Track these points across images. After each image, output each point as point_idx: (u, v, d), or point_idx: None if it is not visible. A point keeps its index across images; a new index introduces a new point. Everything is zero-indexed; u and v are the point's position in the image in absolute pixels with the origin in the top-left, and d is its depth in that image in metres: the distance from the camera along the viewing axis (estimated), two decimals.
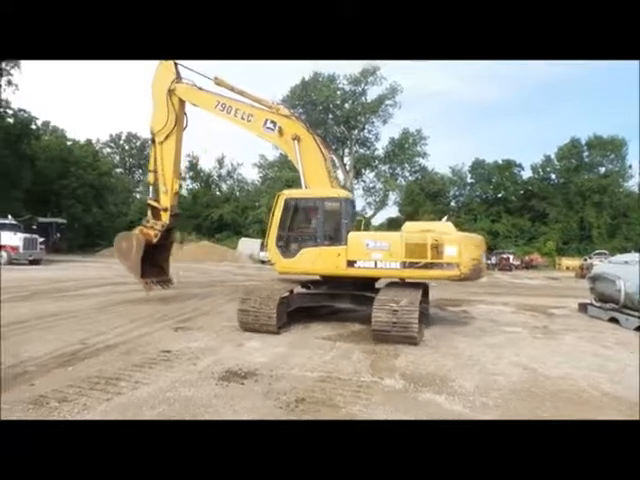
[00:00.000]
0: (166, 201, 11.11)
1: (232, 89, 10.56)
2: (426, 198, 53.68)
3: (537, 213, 50.54)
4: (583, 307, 11.86)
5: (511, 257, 39.42)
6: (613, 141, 50.17)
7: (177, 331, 8.20)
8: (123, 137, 68.25)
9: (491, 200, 53.45)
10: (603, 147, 50.38)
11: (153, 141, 11.10)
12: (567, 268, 38.64)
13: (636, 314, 9.48)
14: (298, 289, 9.29)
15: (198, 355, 6.44)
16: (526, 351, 7.34)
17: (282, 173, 51.92)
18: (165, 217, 11.10)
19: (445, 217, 10.69)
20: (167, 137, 10.89)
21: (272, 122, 9.77)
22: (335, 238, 8.54)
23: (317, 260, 8.50)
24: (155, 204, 11.19)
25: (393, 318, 7.33)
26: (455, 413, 4.43)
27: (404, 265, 8.06)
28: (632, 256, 11.47)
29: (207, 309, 11.00)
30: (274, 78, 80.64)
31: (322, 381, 5.33)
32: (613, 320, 10.22)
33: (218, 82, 10.67)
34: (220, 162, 59.66)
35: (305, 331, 8.51)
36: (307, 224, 9.09)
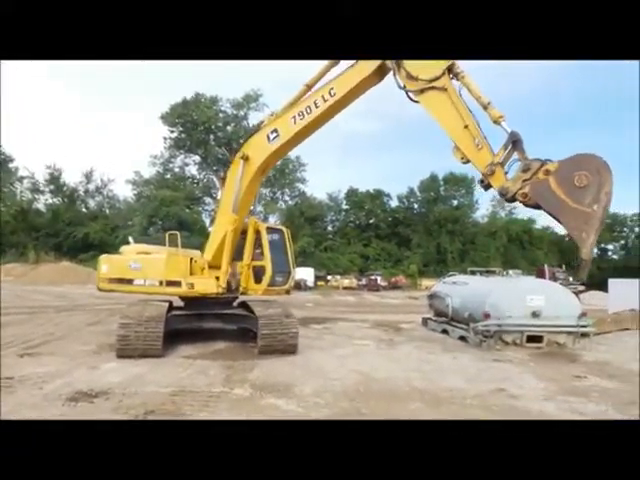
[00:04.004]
0: None
1: None
2: (305, 222, 55.90)
3: (403, 239, 55.91)
4: (425, 321, 13.73)
5: (379, 278, 42.83)
6: (464, 178, 57.98)
7: (23, 357, 7.73)
8: None
9: (363, 226, 57.65)
10: (456, 183, 57.94)
11: None
12: (426, 288, 43.04)
13: (461, 326, 11.35)
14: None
15: (46, 379, 6.24)
16: (367, 360, 8.42)
17: (159, 192, 50.00)
18: None
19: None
20: None
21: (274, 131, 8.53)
22: None
23: None
24: None
25: (278, 329, 8.22)
26: (291, 412, 5.10)
27: None
28: (460, 277, 13.69)
29: (61, 334, 10.39)
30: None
31: (174, 395, 5.63)
32: (445, 332, 12.06)
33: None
34: (88, 176, 55.35)
35: (168, 351, 8.60)
36: None
